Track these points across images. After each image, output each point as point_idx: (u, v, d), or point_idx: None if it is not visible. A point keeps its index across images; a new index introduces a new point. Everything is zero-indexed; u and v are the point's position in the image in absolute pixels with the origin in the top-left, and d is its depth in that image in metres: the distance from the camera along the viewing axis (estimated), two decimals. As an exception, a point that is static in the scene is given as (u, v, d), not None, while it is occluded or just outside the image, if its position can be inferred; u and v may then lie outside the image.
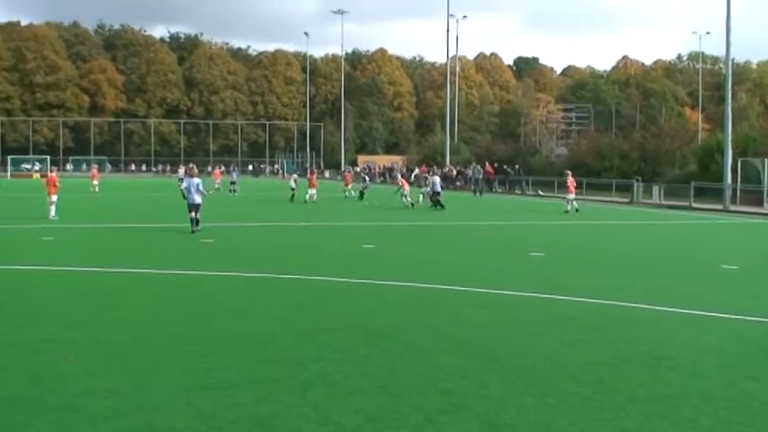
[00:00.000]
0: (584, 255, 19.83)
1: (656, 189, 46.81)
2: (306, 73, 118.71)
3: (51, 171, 30.83)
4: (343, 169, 73.64)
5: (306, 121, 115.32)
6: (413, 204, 37.16)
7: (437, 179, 39.43)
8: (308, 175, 43.32)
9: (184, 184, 25.29)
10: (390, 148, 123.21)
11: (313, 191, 40.45)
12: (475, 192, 54.45)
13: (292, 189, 42.77)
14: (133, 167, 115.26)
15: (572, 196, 35.90)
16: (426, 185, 38.75)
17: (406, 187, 38.36)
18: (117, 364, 8.17)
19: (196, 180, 23.80)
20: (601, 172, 56.76)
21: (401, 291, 13.31)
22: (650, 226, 27.37)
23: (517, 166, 62.31)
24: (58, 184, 28.31)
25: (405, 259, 17.92)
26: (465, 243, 22.44)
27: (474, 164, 62.13)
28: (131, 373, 7.81)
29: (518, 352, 9.01)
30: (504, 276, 15.37)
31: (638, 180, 47.81)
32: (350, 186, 48.24)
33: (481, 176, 56.68)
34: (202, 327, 10.10)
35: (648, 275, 15.94)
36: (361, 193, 44.11)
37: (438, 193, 37.27)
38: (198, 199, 23.17)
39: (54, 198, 27.48)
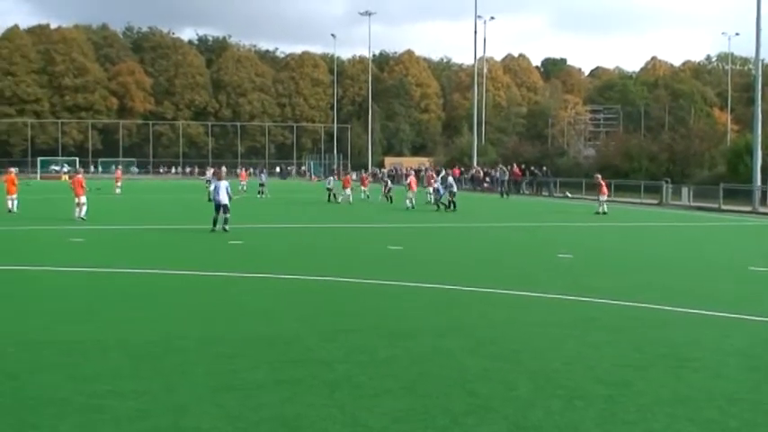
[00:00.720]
0: (612, 256, 19.74)
1: (684, 191, 46.47)
2: (333, 75, 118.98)
3: (78, 173, 31.12)
4: (363, 171, 73.71)
5: (333, 122, 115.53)
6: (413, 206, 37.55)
7: (451, 180, 39.55)
8: (345, 176, 45.69)
9: (212, 186, 25.50)
10: (417, 150, 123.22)
11: (348, 191, 42.53)
12: (502, 193, 54.31)
13: (329, 189, 44.42)
14: (161, 169, 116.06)
15: (604, 197, 35.76)
16: (444, 187, 38.26)
17: (414, 188, 39.41)
18: (144, 366, 8.25)
19: (224, 183, 24.09)
20: (629, 173, 56.42)
21: (427, 292, 13.32)
22: (678, 228, 27.19)
23: (545, 168, 62.10)
24: (84, 185, 28.57)
25: (431, 261, 17.94)
26: (490, 244, 22.41)
27: (500, 165, 61.93)
28: (158, 375, 7.89)
29: (544, 353, 9.00)
30: (531, 278, 15.33)
31: (666, 182, 47.49)
32: (366, 188, 48.32)
33: (507, 178, 56.44)
34: (229, 328, 10.17)
35: (675, 277, 15.86)
36: (388, 197, 43.67)
37: (442, 195, 37.72)
38: (225, 199, 23.52)
39: (83, 199, 27.74)
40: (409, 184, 39.49)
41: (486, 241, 23.41)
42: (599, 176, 37.31)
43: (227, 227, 23.29)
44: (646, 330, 10.39)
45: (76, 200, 27.84)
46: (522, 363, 8.55)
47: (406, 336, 9.76)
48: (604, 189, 36.14)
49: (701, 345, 9.62)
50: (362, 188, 47.83)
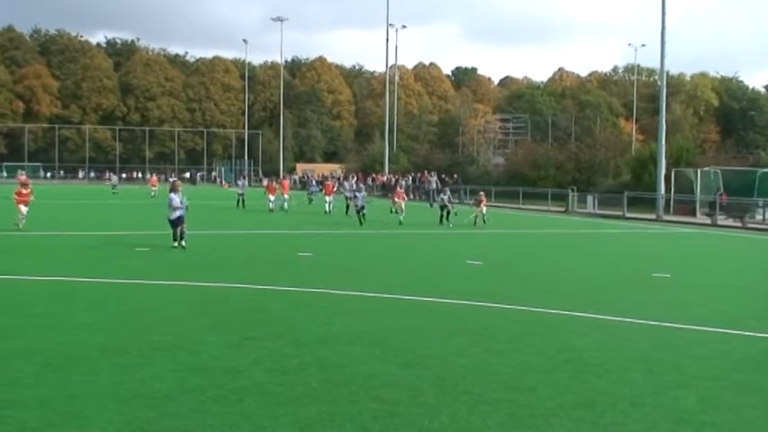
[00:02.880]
0: (519, 263, 20.05)
1: (590, 199, 47.57)
2: (244, 80, 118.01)
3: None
4: (282, 177, 72.79)
5: (244, 128, 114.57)
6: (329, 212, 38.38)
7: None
8: (280, 181, 43.90)
9: (172, 200, 21.77)
10: (329, 157, 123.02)
11: (272, 197, 40.47)
12: (431, 203, 53.26)
13: (240, 195, 43.12)
14: (66, 174, 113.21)
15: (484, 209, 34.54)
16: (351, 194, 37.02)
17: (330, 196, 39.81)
18: (47, 375, 8.02)
19: (176, 196, 21.80)
20: (537, 182, 57.48)
21: (336, 299, 13.30)
22: (584, 235, 27.80)
23: (455, 176, 62.72)
24: None
25: (341, 268, 17.93)
26: (401, 251, 22.51)
27: (428, 174, 61.12)
28: (62, 384, 7.68)
29: (451, 359, 9.07)
30: (440, 284, 15.45)
31: (573, 190, 48.52)
32: (287, 194, 43.76)
33: (434, 187, 55.48)
34: (135, 336, 9.96)
35: (580, 283, 16.20)
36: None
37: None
38: (179, 212, 21.41)
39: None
40: (326, 189, 39.50)
41: (396, 248, 23.51)
42: (482, 194, 35.85)
43: (183, 242, 21.09)
44: (551, 336, 10.57)
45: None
46: (429, 369, 8.59)
47: (314, 343, 9.71)
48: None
49: (605, 350, 9.83)
50: (284, 195, 42.54)
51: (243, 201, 42.63)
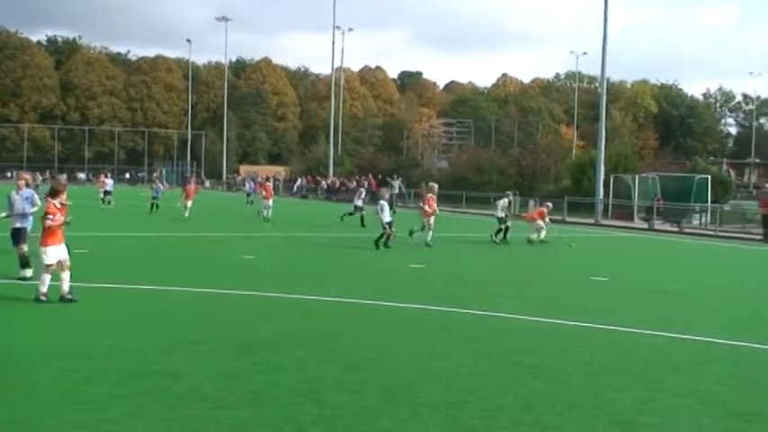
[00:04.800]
0: (463, 267, 20.18)
1: (531, 203, 48.00)
2: (187, 80, 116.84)
3: None
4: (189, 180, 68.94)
5: (187, 129, 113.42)
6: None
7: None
8: (187, 185, 36.54)
9: (14, 202, 15.53)
10: (274, 159, 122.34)
11: (189, 202, 34.91)
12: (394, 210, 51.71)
13: (154, 198, 38.35)
14: (8, 174, 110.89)
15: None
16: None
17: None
18: (-18, 380, 7.87)
19: (25, 192, 15.56)
20: (480, 186, 57.90)
21: (280, 302, 13.25)
22: (524, 239, 28.02)
23: (400, 179, 62.86)
24: None
25: (285, 270, 17.86)
26: (348, 254, 22.50)
27: (392, 179, 59.32)
28: (1, 389, 7.54)
29: (395, 363, 9.11)
30: (387, 287, 15.49)
31: (515, 194, 48.95)
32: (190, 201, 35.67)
33: (396, 192, 53.92)
34: (74, 340, 9.82)
35: (521, 287, 16.39)
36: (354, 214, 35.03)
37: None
38: (23, 222, 15.46)
39: None
40: (266, 192, 36.77)
41: (343, 251, 23.50)
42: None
43: (29, 273, 14.71)
44: (495, 339, 10.68)
45: None
46: (371, 372, 8.62)
47: (256, 346, 9.67)
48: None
49: (546, 352, 9.96)
50: (185, 201, 35.20)
51: (156, 205, 37.85)
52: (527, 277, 18.23)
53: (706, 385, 8.57)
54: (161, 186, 41.84)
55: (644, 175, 46.77)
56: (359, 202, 35.17)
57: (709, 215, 41.02)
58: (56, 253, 12.42)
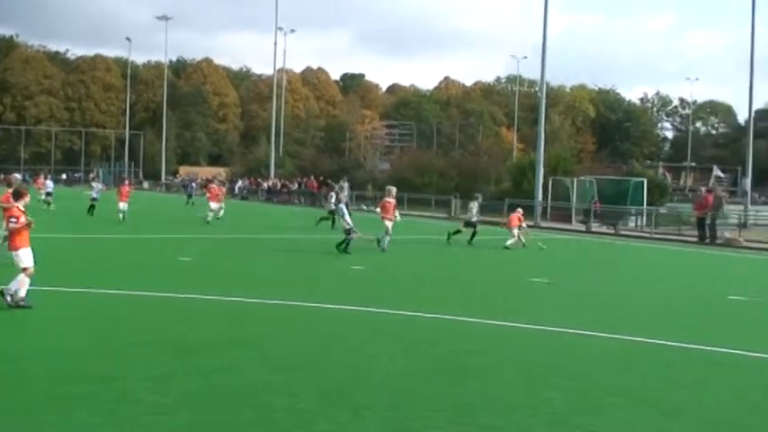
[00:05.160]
0: (402, 269, 20.21)
1: (472, 205, 48.34)
2: (126, 79, 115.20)
3: None
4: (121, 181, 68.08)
5: (125, 129, 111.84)
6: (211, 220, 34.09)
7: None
8: (121, 186, 34.49)
9: None
10: (214, 160, 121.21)
11: (216, 205, 33.88)
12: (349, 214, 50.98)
13: (94, 200, 36.40)
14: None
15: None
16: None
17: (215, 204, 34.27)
18: None
19: None
20: (421, 188, 58.11)
21: (216, 304, 13.12)
22: (464, 241, 28.20)
23: (348, 181, 62.82)
24: None
25: (222, 273, 17.69)
26: (284, 256, 22.36)
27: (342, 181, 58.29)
28: None
29: (331, 364, 9.06)
30: (321, 290, 15.43)
31: (456, 196, 49.25)
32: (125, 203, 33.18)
33: (346, 193, 53.05)
34: (7, 344, 9.58)
35: (460, 288, 16.47)
36: (330, 218, 33.49)
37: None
38: None
39: None
40: (210, 195, 35.40)
41: (284, 253, 23.35)
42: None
43: None
44: (432, 340, 10.69)
45: None
46: (308, 374, 8.56)
47: (192, 349, 9.54)
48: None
49: (485, 353, 10.02)
50: (120, 203, 33.00)
51: (94, 207, 35.71)
52: (466, 279, 18.32)
53: (639, 385, 8.69)
54: (100, 186, 40.09)
55: (582, 178, 47.41)
56: (331, 206, 34.32)
57: (644, 217, 41.69)
58: (29, 255, 12.13)
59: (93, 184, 40.20)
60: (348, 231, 22.70)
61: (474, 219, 28.68)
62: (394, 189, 25.29)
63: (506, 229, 28.61)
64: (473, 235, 28.18)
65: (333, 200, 34.69)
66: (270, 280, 16.77)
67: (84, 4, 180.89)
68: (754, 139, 57.73)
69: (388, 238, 23.70)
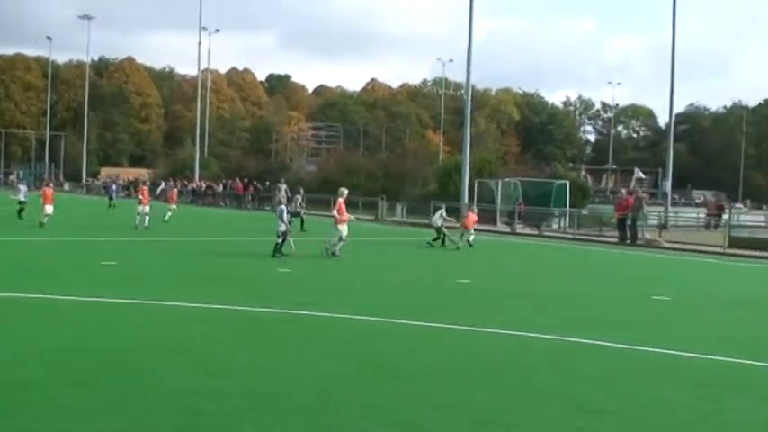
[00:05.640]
0: (331, 271, 20.19)
1: (399, 207, 48.63)
2: (47, 79, 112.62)
3: None
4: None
5: (45, 130, 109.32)
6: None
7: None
8: (43, 189, 33.07)
9: None
10: (137, 161, 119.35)
11: (142, 208, 32.03)
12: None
13: (22, 203, 34.84)
14: None
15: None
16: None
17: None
18: None
19: None
20: (348, 189, 58.10)
21: (139, 309, 12.91)
22: (390, 243, 28.38)
23: (268, 183, 62.50)
24: None
25: (144, 276, 17.43)
26: (211, 259, 22.13)
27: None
28: None
29: (256, 368, 9.00)
30: (247, 292, 15.34)
31: (382, 198, 49.39)
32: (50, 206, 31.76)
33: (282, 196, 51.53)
34: None
35: (387, 291, 16.54)
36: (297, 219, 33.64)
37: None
38: None
39: None
40: (142, 197, 32.90)
41: (211, 257, 23.09)
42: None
43: None
44: (361, 342, 10.72)
45: None
46: (233, 378, 8.47)
47: (114, 354, 9.38)
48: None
49: (412, 354, 10.08)
50: (45, 206, 31.41)
51: (23, 210, 34.25)
52: (392, 282, 18.39)
53: (564, 384, 8.83)
54: (25, 189, 37.70)
55: (506, 180, 48.01)
56: (298, 210, 34.70)
57: (567, 219, 42.44)
58: None
59: (20, 186, 38.33)
60: (281, 234, 22.28)
61: (439, 224, 28.88)
62: (345, 190, 24.52)
63: (463, 230, 28.82)
64: (436, 239, 28.48)
65: (298, 203, 35.42)
66: (194, 282, 16.56)
67: (4, 1, 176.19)
68: (675, 142, 59.20)
69: (341, 244, 22.68)
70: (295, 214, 33.21)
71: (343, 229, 22.76)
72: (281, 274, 18.33)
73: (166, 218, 35.26)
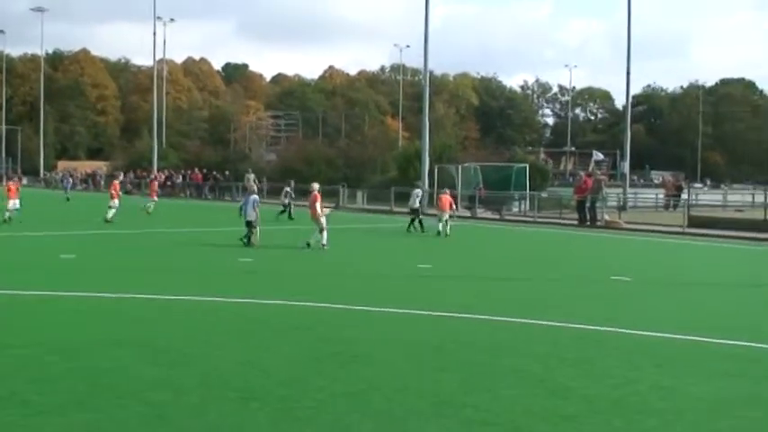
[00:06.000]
0: (291, 259, 20.19)
1: (359, 194, 48.67)
2: (1, 73, 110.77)
3: None
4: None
5: (1, 124, 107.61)
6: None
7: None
8: (6, 184, 32.60)
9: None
10: (94, 154, 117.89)
11: (12, 202, 30.55)
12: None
13: None
14: None
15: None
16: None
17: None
18: None
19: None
20: (309, 178, 57.96)
21: (100, 302, 12.86)
22: (351, 230, 28.39)
23: (227, 173, 62.19)
24: None
25: (105, 269, 17.30)
26: (171, 250, 22.01)
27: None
28: None
29: (218, 357, 9.04)
30: (207, 283, 15.30)
31: (343, 186, 49.38)
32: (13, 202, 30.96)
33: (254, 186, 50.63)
34: None
35: (346, 278, 16.63)
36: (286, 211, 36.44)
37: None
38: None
39: None
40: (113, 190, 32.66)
41: (166, 246, 22.98)
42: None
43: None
44: (321, 329, 10.78)
45: None
46: (195, 367, 8.53)
47: (77, 349, 9.36)
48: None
49: (372, 340, 10.17)
50: (9, 201, 30.78)
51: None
52: (355, 268, 18.43)
53: (528, 365, 8.97)
54: None
55: (466, 164, 48.16)
56: (286, 200, 36.72)
57: (527, 202, 42.74)
58: None
59: None
60: (250, 223, 22.50)
61: (416, 206, 29.39)
62: (317, 185, 23.96)
63: (439, 212, 28.41)
64: (413, 221, 28.98)
65: (289, 194, 37.37)
66: (152, 275, 16.49)
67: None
68: (632, 123, 59.77)
69: (325, 234, 22.13)
70: (284, 206, 35.77)
71: (324, 220, 22.42)
72: (240, 264, 18.28)
73: (150, 210, 35.81)
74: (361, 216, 39.86)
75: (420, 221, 28.86)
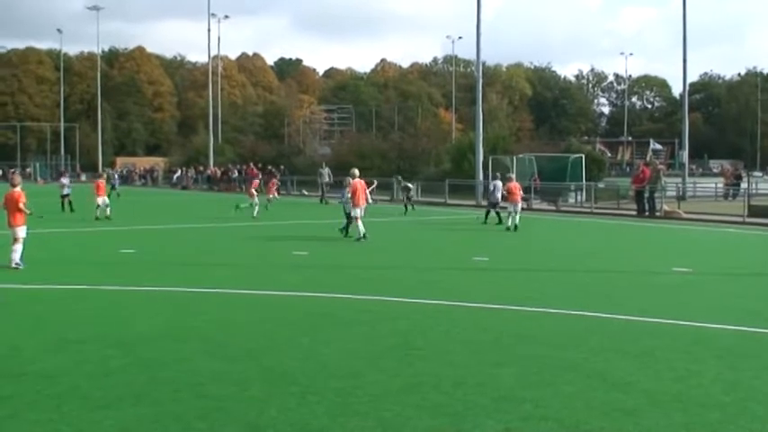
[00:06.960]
0: (345, 252, 20.19)
1: (414, 187, 48.43)
2: (59, 71, 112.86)
3: None
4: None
5: (60, 122, 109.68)
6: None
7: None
8: (95, 182, 32.49)
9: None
10: (152, 150, 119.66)
11: (101, 199, 30.83)
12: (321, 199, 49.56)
13: (65, 197, 34.87)
14: None
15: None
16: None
17: None
18: None
19: None
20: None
21: (159, 296, 12.98)
22: (406, 222, 28.30)
23: (282, 167, 62.56)
24: None
25: (166, 264, 17.50)
26: (232, 244, 22.15)
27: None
28: None
29: (278, 352, 9.04)
30: (265, 276, 15.37)
31: (397, 179, 49.28)
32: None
33: (326, 181, 51.35)
34: (-60, 344, 9.36)
35: (403, 270, 16.51)
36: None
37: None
38: None
39: None
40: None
41: (224, 240, 23.14)
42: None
43: None
44: (377, 323, 10.72)
45: None
46: (256, 362, 8.53)
47: (136, 342, 9.43)
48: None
49: (429, 333, 10.08)
50: (99, 198, 30.85)
51: (70, 203, 34.45)
52: (409, 260, 18.35)
53: (587, 358, 8.81)
54: (67, 181, 37.37)
55: (521, 155, 47.76)
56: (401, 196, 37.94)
57: (584, 193, 42.26)
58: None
59: (63, 180, 37.89)
60: (349, 216, 23.27)
61: (497, 199, 29.17)
62: (356, 170, 24.09)
63: (511, 203, 27.36)
64: (487, 213, 29.16)
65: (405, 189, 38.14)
66: (209, 269, 16.60)
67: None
68: (690, 112, 58.75)
69: (360, 225, 22.40)
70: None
71: (358, 210, 22.67)
72: (295, 257, 18.32)
73: (255, 213, 32.11)
74: (416, 208, 39.72)
75: (498, 213, 28.61)
